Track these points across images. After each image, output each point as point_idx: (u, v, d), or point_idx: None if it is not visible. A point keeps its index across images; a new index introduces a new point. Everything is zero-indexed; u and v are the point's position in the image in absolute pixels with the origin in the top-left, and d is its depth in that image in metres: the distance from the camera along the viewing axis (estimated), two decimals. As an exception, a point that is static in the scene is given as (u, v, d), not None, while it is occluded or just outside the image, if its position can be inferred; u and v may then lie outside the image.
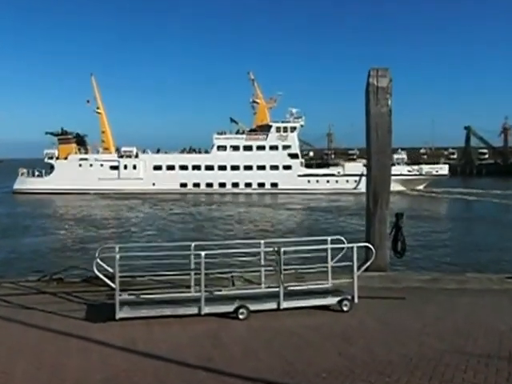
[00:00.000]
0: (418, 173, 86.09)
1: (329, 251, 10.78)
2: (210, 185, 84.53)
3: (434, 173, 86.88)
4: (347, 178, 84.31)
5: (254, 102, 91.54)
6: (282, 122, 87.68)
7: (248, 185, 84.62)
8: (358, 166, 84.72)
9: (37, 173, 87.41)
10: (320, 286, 10.83)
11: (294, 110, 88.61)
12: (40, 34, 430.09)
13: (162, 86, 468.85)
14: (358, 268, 10.48)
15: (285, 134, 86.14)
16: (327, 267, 10.91)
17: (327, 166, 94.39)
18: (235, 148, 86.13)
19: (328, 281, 10.88)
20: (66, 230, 45.13)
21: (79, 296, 10.95)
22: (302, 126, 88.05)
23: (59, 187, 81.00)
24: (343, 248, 10.93)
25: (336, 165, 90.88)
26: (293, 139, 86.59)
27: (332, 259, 10.89)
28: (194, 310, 9.54)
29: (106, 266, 10.10)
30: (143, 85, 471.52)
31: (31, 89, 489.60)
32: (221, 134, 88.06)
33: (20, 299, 10.71)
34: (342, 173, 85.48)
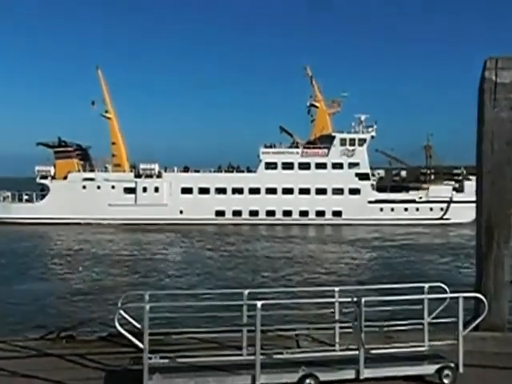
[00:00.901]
0: None
1: (425, 303, 10.73)
2: (254, 213, 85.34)
3: None
4: (431, 205, 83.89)
5: (312, 105, 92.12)
6: (348, 132, 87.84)
7: (304, 213, 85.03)
8: (445, 190, 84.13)
9: (25, 197, 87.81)
10: (413, 350, 10.70)
11: (362, 117, 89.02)
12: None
13: (188, 83, 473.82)
14: (465, 326, 10.30)
15: (351, 148, 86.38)
16: (423, 324, 10.85)
17: (406, 189, 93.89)
18: (288, 166, 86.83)
19: (424, 342, 10.79)
20: (75, 272, 45.70)
21: (95, 359, 10.94)
22: (372, 137, 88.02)
23: (55, 216, 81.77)
24: (445, 299, 10.78)
25: (417, 188, 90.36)
26: (362, 155, 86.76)
27: (430, 314, 10.84)
28: (246, 380, 9.46)
29: (131, 320, 10.14)
30: (164, 83, 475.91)
31: (20, 88, 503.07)
32: (269, 147, 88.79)
33: (16, 364, 10.62)
34: (424, 198, 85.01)
